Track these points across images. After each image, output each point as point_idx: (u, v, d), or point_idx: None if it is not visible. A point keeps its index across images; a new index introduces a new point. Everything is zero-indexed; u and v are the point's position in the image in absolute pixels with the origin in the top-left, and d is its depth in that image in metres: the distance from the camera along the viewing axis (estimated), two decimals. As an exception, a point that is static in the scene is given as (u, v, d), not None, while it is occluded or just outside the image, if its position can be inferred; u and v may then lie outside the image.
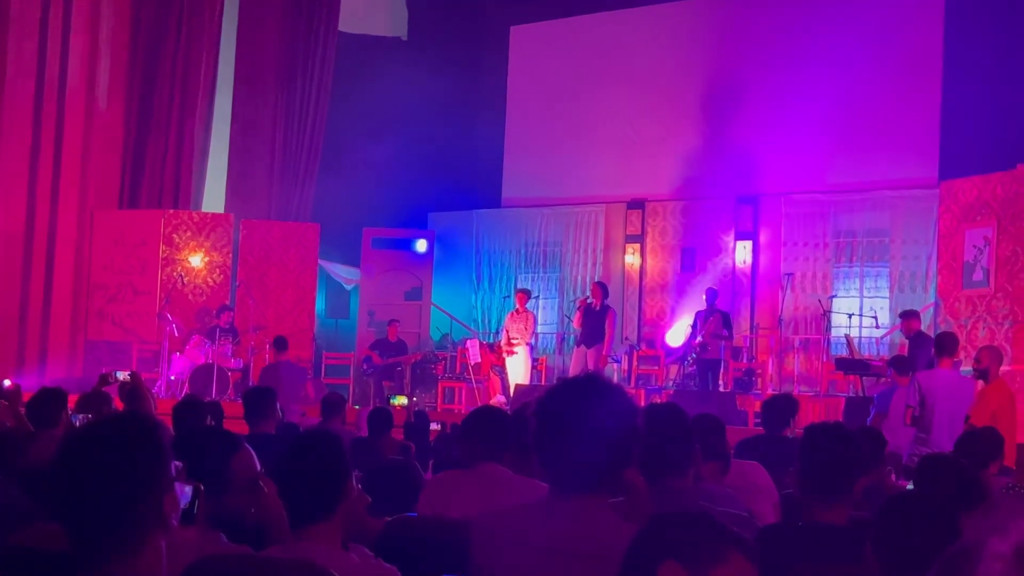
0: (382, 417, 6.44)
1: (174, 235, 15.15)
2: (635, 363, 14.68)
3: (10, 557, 2.77)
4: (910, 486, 5.90)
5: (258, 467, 2.95)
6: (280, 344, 12.31)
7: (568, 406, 2.51)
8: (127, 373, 6.68)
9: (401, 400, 8.14)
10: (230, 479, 2.85)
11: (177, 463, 1.98)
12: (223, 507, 2.85)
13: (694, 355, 13.10)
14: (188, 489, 2.01)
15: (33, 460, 4.98)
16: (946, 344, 7.78)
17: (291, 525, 2.71)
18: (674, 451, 3.46)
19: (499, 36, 17.97)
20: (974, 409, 7.47)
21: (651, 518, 1.91)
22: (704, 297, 13.51)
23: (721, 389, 13.05)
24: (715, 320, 12.97)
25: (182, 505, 1.97)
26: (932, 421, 7.09)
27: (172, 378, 13.80)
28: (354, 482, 2.78)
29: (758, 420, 8.91)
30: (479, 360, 13.95)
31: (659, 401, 12.49)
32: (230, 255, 15.34)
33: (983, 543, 0.98)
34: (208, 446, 2.89)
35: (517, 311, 13.54)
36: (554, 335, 16.65)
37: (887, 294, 14.52)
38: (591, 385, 2.59)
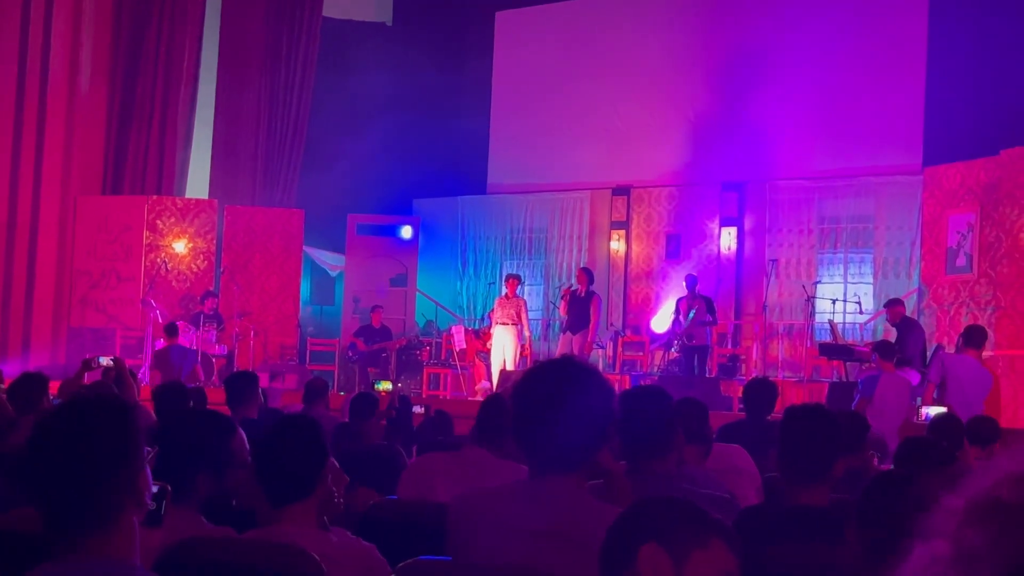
0: (366, 402, 6.43)
1: (158, 221, 15.09)
2: (620, 349, 14.71)
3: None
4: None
5: (248, 449, 3.09)
6: (171, 330, 12.67)
7: (545, 387, 2.53)
8: (110, 359, 6.69)
9: (386, 385, 8.12)
10: (229, 460, 2.97)
11: (148, 448, 1.98)
12: (223, 486, 2.97)
13: (679, 342, 13.10)
14: (155, 489, 2.01)
15: (14, 445, 4.96)
16: (974, 336, 7.85)
17: (269, 506, 2.72)
18: (656, 434, 3.47)
19: (484, 21, 17.93)
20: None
21: (634, 501, 1.92)
22: (684, 283, 13.50)
23: (707, 375, 13.08)
24: (699, 306, 12.97)
25: (149, 504, 1.97)
26: (946, 401, 7.14)
27: (156, 364, 13.75)
28: (332, 462, 2.80)
29: (742, 405, 8.94)
30: (464, 346, 13.93)
31: (637, 385, 12.53)
32: (214, 241, 15.28)
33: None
34: (206, 427, 3.03)
35: (507, 296, 13.41)
36: (539, 321, 16.64)
37: (871, 280, 14.57)
38: (567, 367, 2.62)
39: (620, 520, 1.84)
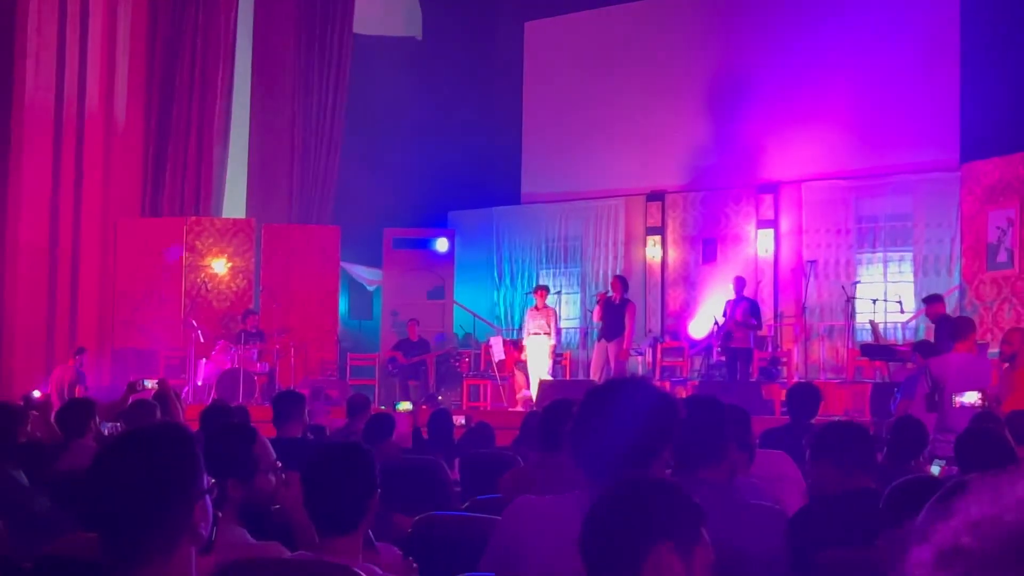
0: (381, 424, 6.46)
1: (196, 242, 15.25)
2: (659, 355, 14.67)
3: (45, 566, 2.82)
4: (935, 468, 5.90)
5: (274, 454, 3.21)
6: (79, 351, 13.56)
7: (608, 401, 2.58)
8: (155, 381, 6.76)
9: (405, 406, 8.00)
10: (255, 465, 3.11)
11: (210, 478, 2.01)
12: (253, 492, 3.07)
13: (721, 344, 13.01)
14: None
15: (63, 470, 5.04)
16: (960, 328, 7.70)
17: (317, 533, 2.74)
18: (707, 443, 3.48)
19: (513, 33, 17.98)
20: (1007, 394, 7.39)
21: (621, 492, 1.93)
22: (732, 286, 13.43)
23: (749, 379, 12.99)
24: (742, 308, 12.90)
25: (205, 536, 2.00)
26: (945, 405, 7.04)
27: (199, 384, 13.88)
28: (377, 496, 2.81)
29: (784, 409, 8.89)
30: (503, 357, 13.95)
31: (692, 393, 12.48)
32: (252, 260, 15.42)
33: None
34: (230, 439, 3.16)
35: (536, 307, 13.49)
36: (577, 330, 16.65)
37: (911, 279, 14.44)
38: (632, 383, 2.74)
39: (626, 516, 1.84)
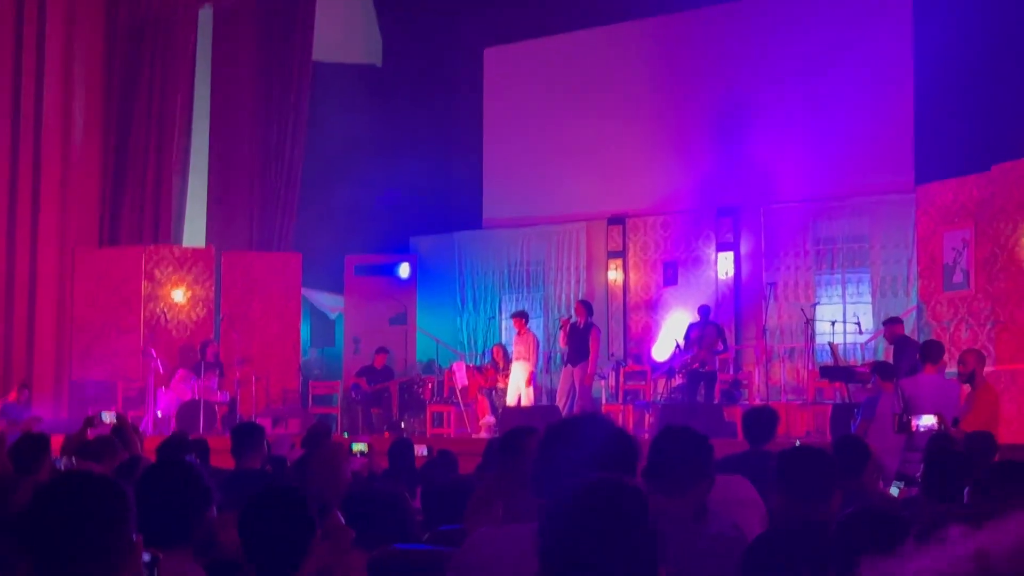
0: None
1: (156, 271, 15.12)
2: (622, 379, 14.69)
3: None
4: (895, 490, 5.95)
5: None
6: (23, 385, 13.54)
7: (568, 439, 2.59)
8: (112, 414, 6.69)
9: (360, 447, 7.77)
10: (201, 502, 2.92)
11: (138, 534, 2.00)
12: (203, 525, 2.91)
13: (689, 368, 13.07)
14: (147, 557, 2.03)
15: (14, 507, 4.96)
16: (930, 351, 7.81)
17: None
18: (673, 471, 3.48)
19: (473, 59, 18.03)
20: (966, 415, 7.48)
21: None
22: (697, 314, 13.53)
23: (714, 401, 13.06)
24: (710, 333, 12.99)
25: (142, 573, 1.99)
26: (913, 424, 7.10)
27: (159, 415, 13.75)
28: (336, 518, 2.77)
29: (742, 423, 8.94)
30: (466, 383, 13.94)
31: (663, 422, 12.53)
32: (212, 288, 15.31)
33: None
34: (166, 480, 2.96)
35: (519, 334, 13.62)
36: (541, 354, 16.64)
37: (869, 299, 14.59)
38: (591, 420, 2.77)
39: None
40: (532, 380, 13.65)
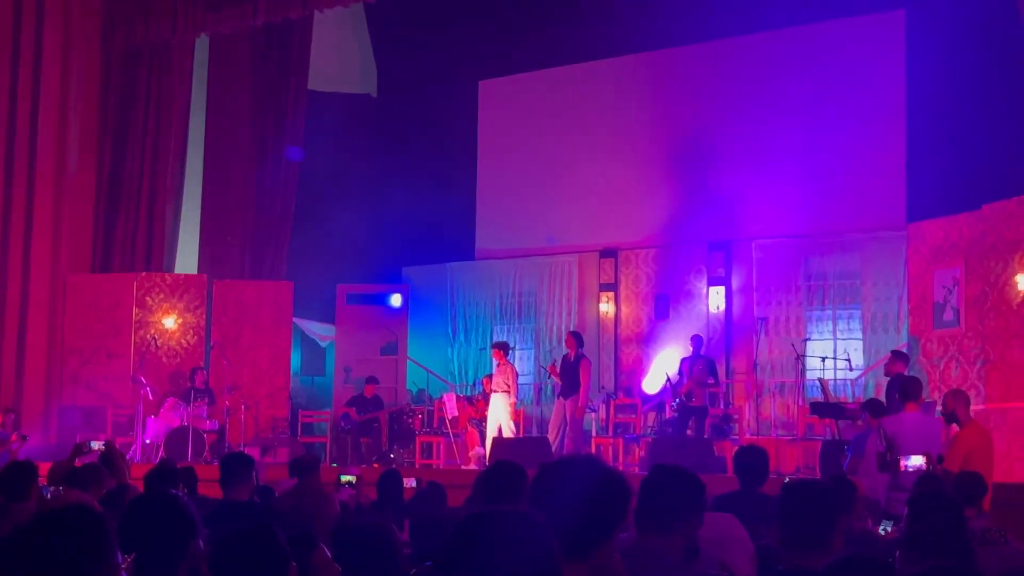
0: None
1: (147, 297, 15.10)
2: (612, 412, 14.67)
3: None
4: (883, 529, 5.94)
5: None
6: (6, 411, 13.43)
7: (560, 481, 2.60)
8: (101, 443, 6.67)
9: (349, 479, 7.72)
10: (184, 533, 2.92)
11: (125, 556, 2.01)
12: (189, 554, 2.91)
13: (678, 402, 13.06)
14: None
15: (2, 535, 4.92)
16: (910, 389, 7.80)
17: None
18: (666, 513, 3.50)
19: (468, 91, 18.12)
20: (948, 452, 7.49)
21: None
22: (690, 344, 13.51)
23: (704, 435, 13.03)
24: (700, 367, 12.98)
25: None
26: (899, 464, 7.10)
27: (147, 442, 13.69)
28: (322, 552, 2.76)
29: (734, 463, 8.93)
30: (456, 414, 13.91)
31: (654, 460, 12.49)
32: (204, 316, 15.28)
33: None
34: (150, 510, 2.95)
35: (499, 365, 13.57)
36: (531, 385, 16.64)
37: (860, 336, 14.61)
38: (585, 463, 2.79)
39: None
40: (514, 411, 13.58)
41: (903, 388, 7.84)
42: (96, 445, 6.72)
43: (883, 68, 14.85)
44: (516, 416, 14.71)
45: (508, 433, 13.07)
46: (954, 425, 7.87)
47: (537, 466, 2.93)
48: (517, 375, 13.76)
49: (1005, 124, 13.14)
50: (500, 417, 13.23)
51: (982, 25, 12.94)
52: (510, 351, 14.12)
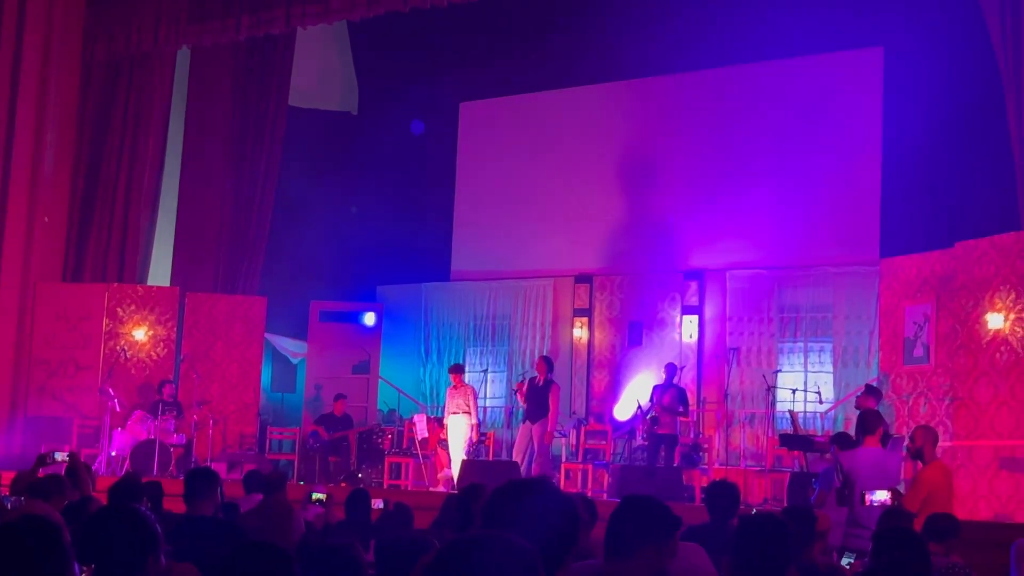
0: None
1: (118, 308, 14.99)
2: (583, 437, 14.67)
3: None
4: (846, 562, 5.95)
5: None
6: None
7: (512, 506, 2.58)
8: (65, 454, 6.60)
9: (319, 497, 7.73)
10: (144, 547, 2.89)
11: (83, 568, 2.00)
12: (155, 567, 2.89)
13: (646, 428, 13.05)
14: None
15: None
16: (866, 423, 7.79)
17: None
18: (625, 536, 3.51)
19: (448, 112, 18.15)
20: (908, 491, 7.51)
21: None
22: (663, 371, 13.50)
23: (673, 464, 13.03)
24: (671, 395, 12.98)
25: None
26: (856, 500, 7.11)
27: (113, 454, 13.56)
28: None
29: (704, 496, 8.93)
30: (426, 435, 13.86)
31: (616, 480, 12.48)
32: (175, 329, 15.18)
33: None
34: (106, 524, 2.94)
35: (454, 387, 13.52)
36: (502, 409, 16.62)
37: (831, 369, 14.68)
38: (536, 487, 2.72)
39: None
40: (477, 431, 13.53)
41: (862, 422, 7.84)
42: (60, 456, 6.65)
43: (860, 105, 15.00)
44: (487, 440, 14.69)
45: (460, 457, 13.01)
46: (919, 462, 7.89)
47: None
48: (476, 395, 13.76)
49: (979, 163, 13.28)
50: (460, 441, 13.21)
51: (959, 64, 13.11)
52: (466, 374, 14.12)
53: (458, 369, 13.76)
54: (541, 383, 12.79)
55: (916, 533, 5.61)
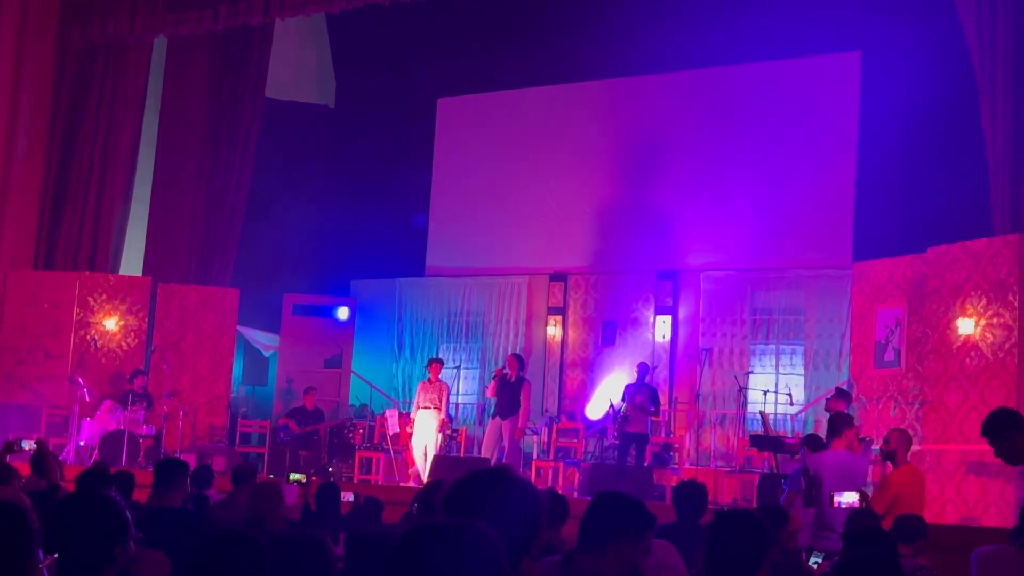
0: (270, 495, 6.25)
1: (89, 298, 14.86)
2: (554, 435, 14.67)
3: None
4: (813, 562, 5.98)
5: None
6: None
7: (474, 494, 2.55)
8: (32, 442, 6.54)
9: (298, 477, 7.80)
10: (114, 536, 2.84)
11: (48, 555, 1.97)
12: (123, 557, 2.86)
13: (616, 427, 13.07)
14: None
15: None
16: (835, 426, 7.83)
17: None
18: (596, 531, 3.51)
19: (426, 107, 18.11)
20: (875, 493, 7.56)
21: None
22: (636, 371, 13.51)
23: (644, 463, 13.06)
24: (643, 394, 12.99)
25: None
26: (823, 502, 7.15)
27: (81, 444, 13.46)
28: None
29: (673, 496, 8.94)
30: (398, 430, 13.83)
31: (586, 478, 12.51)
32: (146, 319, 15.06)
33: None
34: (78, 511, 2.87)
35: (430, 381, 13.45)
36: (474, 406, 16.60)
37: (802, 371, 14.75)
38: (498, 475, 2.69)
39: None
40: (443, 428, 13.48)
41: (830, 424, 7.89)
42: (28, 444, 6.59)
43: (837, 109, 15.08)
44: (459, 436, 14.67)
45: (434, 451, 12.97)
46: (888, 464, 7.94)
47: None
48: (449, 391, 13.71)
49: (954, 169, 13.37)
50: (429, 435, 13.16)
51: (936, 70, 13.19)
52: (443, 368, 14.07)
53: (438, 363, 13.69)
54: (512, 380, 12.78)
55: (885, 531, 5.65)
